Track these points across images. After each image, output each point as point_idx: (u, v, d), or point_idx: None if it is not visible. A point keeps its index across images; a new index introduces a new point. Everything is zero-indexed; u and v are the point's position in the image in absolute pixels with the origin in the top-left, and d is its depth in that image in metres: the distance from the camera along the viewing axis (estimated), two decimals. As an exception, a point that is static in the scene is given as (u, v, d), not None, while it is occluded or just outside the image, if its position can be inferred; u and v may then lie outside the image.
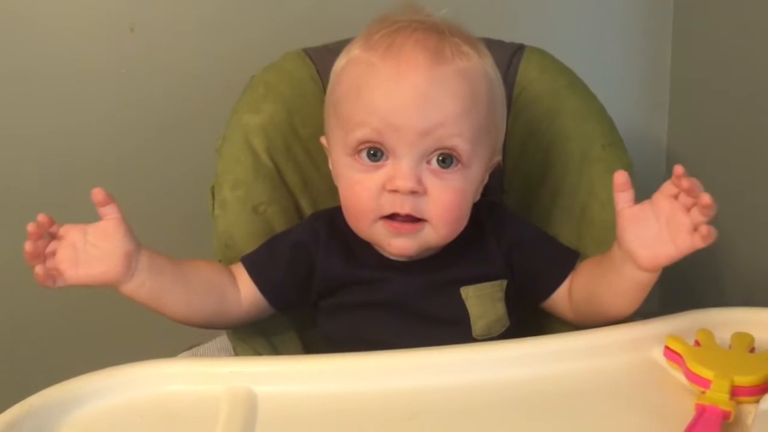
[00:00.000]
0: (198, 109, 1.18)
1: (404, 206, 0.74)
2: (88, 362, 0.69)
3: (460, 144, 0.73)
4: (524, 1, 1.22)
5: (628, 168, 0.88)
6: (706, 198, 0.63)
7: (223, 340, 0.87)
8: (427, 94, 0.72)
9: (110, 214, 0.71)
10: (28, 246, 0.68)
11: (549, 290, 0.81)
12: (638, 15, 1.25)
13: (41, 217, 0.69)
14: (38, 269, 0.68)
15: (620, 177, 0.68)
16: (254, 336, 0.83)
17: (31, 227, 0.68)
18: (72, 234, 0.70)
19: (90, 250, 0.70)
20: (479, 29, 0.96)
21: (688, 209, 0.65)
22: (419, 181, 0.73)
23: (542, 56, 0.94)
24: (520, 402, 0.65)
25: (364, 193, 0.75)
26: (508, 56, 0.93)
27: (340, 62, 0.79)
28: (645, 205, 0.68)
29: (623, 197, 0.68)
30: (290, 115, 0.89)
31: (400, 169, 0.73)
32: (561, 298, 0.81)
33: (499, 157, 0.82)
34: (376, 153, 0.74)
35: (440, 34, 0.75)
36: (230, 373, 0.67)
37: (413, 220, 0.75)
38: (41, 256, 0.68)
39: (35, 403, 0.62)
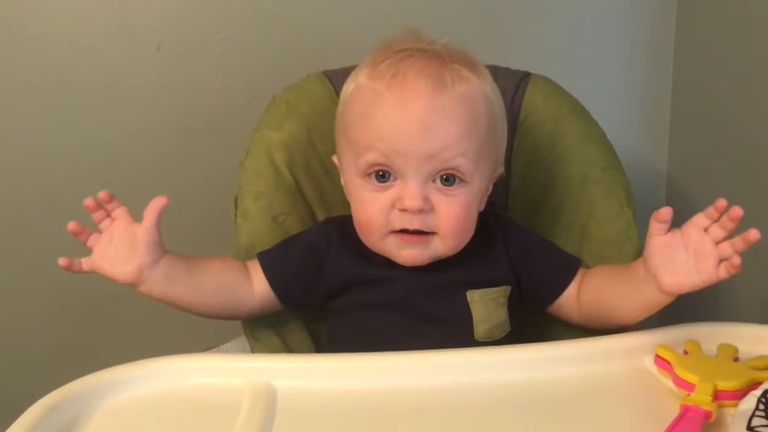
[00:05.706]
0: (219, 125, 1.22)
1: (413, 223, 0.78)
2: (114, 358, 0.73)
3: (463, 163, 0.78)
4: (531, 31, 1.26)
5: (626, 189, 0.92)
6: (754, 233, 0.65)
7: (240, 341, 0.91)
8: (430, 121, 0.76)
9: (147, 221, 0.76)
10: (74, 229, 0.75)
11: (555, 294, 0.85)
12: (640, 44, 1.27)
13: (102, 194, 0.76)
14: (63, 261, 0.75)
15: (666, 212, 0.70)
16: (270, 337, 0.88)
17: (88, 201, 0.76)
18: (117, 224, 0.76)
19: (118, 249, 0.76)
20: (489, 57, 1.00)
21: (717, 242, 0.68)
22: (426, 200, 0.78)
23: (547, 83, 0.98)
24: (520, 402, 0.69)
25: (376, 211, 0.79)
26: (515, 83, 0.97)
27: (348, 87, 0.83)
28: (675, 234, 0.70)
29: (659, 227, 0.70)
30: (309, 132, 0.93)
31: (408, 190, 0.77)
32: (567, 302, 0.85)
33: (501, 170, 0.86)
34: (384, 174, 0.79)
35: (441, 61, 0.78)
36: (251, 368, 0.72)
37: (422, 233, 0.79)
38: (86, 233, 0.76)
39: (74, 388, 0.67)
